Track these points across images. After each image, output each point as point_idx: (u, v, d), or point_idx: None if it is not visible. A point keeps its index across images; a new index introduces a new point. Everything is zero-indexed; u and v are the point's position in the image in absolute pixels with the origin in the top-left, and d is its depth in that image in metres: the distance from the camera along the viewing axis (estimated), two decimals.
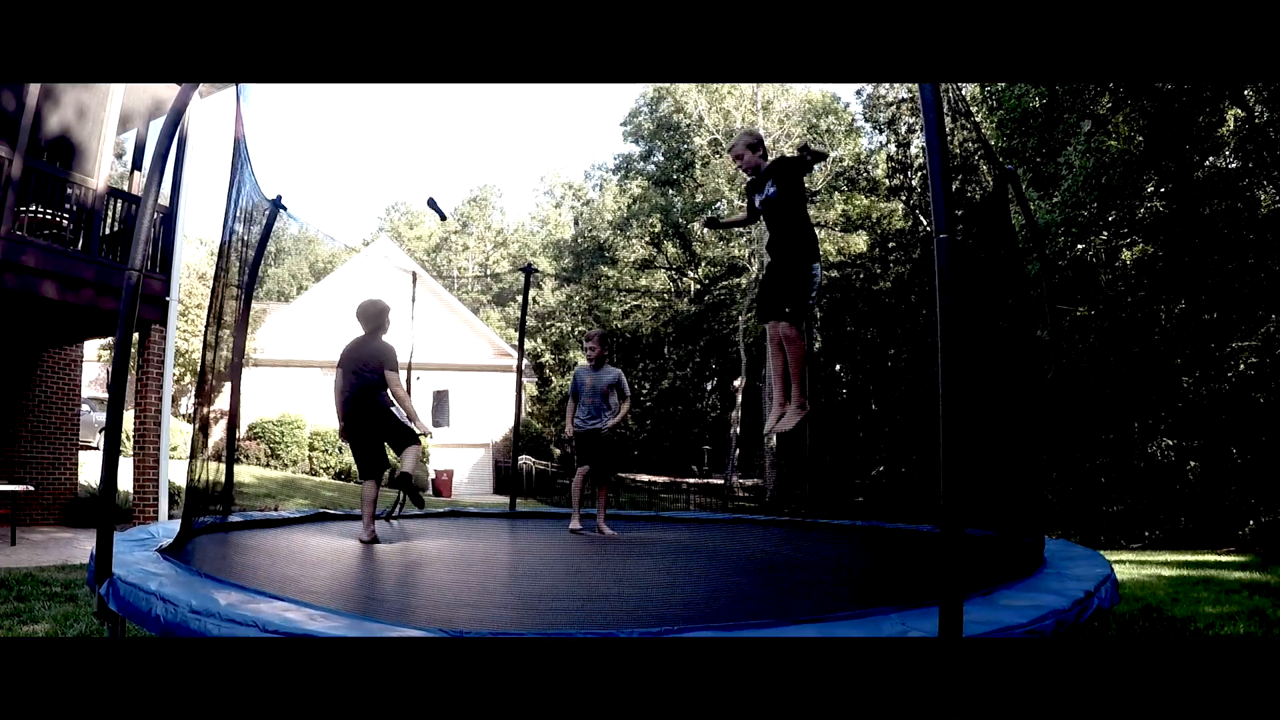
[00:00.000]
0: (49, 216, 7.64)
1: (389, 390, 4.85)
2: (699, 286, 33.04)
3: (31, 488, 8.93)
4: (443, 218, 6.64)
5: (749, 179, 4.13)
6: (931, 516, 7.35)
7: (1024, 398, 4.49)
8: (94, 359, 22.41)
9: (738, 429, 28.05)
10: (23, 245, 7.26)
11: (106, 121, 8.38)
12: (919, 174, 24.35)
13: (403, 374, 5.09)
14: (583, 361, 6.28)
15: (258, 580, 3.36)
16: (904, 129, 25.09)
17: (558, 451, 32.18)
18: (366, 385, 4.84)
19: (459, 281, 45.90)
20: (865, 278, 22.55)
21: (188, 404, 23.91)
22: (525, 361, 17.07)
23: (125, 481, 8.38)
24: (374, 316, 5.03)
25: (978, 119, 17.28)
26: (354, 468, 21.76)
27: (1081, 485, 14.16)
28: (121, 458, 3.48)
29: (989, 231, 4.73)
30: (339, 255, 42.54)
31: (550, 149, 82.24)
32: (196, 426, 4.96)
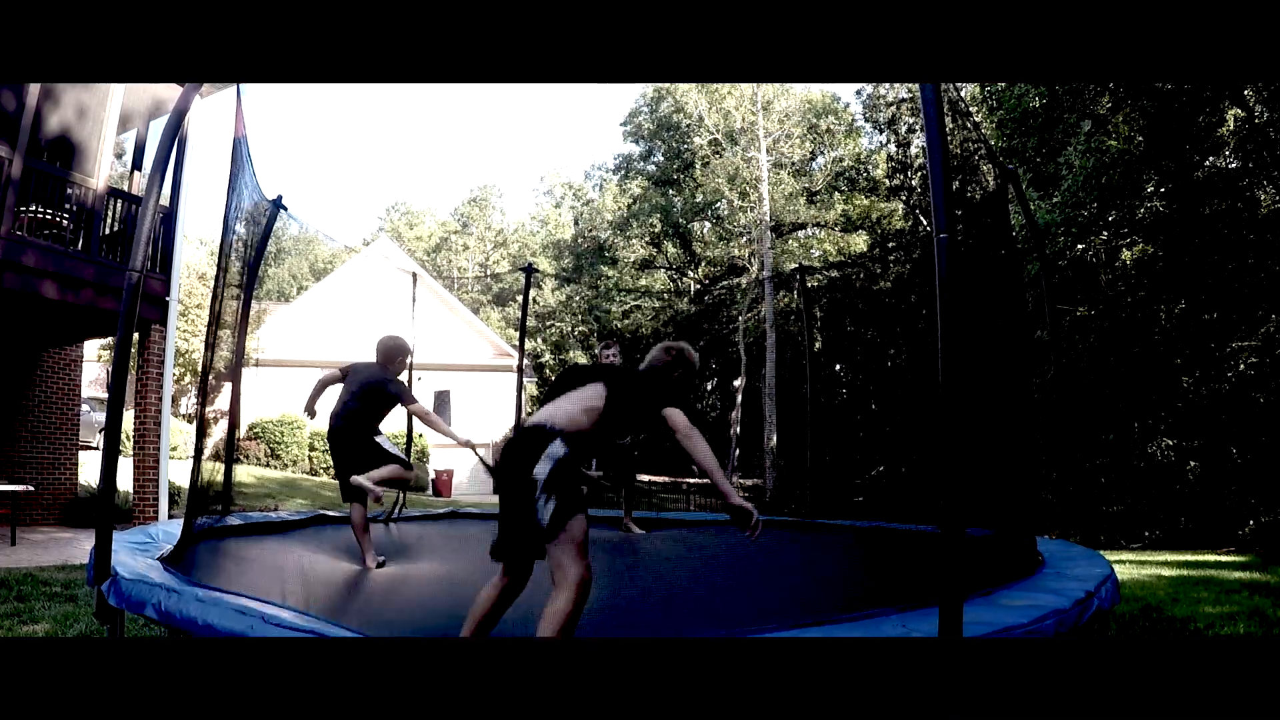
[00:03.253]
0: (49, 216, 7.64)
1: (419, 414, 4.66)
2: (699, 286, 33.02)
3: (31, 488, 8.92)
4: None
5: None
6: (931, 516, 7.34)
7: (1023, 398, 4.49)
8: (94, 359, 22.40)
9: (738, 429, 28.03)
10: (23, 245, 7.25)
11: (106, 121, 8.38)
12: (919, 174, 24.35)
13: (403, 375, 4.97)
14: None
15: (258, 582, 3.36)
16: (904, 129, 25.10)
17: None
18: (363, 411, 4.62)
19: (459, 281, 45.88)
20: (865, 278, 22.54)
21: (188, 404, 23.92)
22: (525, 361, 17.08)
23: (125, 481, 8.37)
24: (388, 351, 4.79)
25: (977, 119, 17.27)
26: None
27: (1081, 485, 14.14)
28: (121, 458, 3.48)
29: (989, 231, 4.72)
30: (339, 255, 42.52)
31: (550, 149, 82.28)
32: (196, 426, 4.93)
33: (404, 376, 4.95)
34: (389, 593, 3.63)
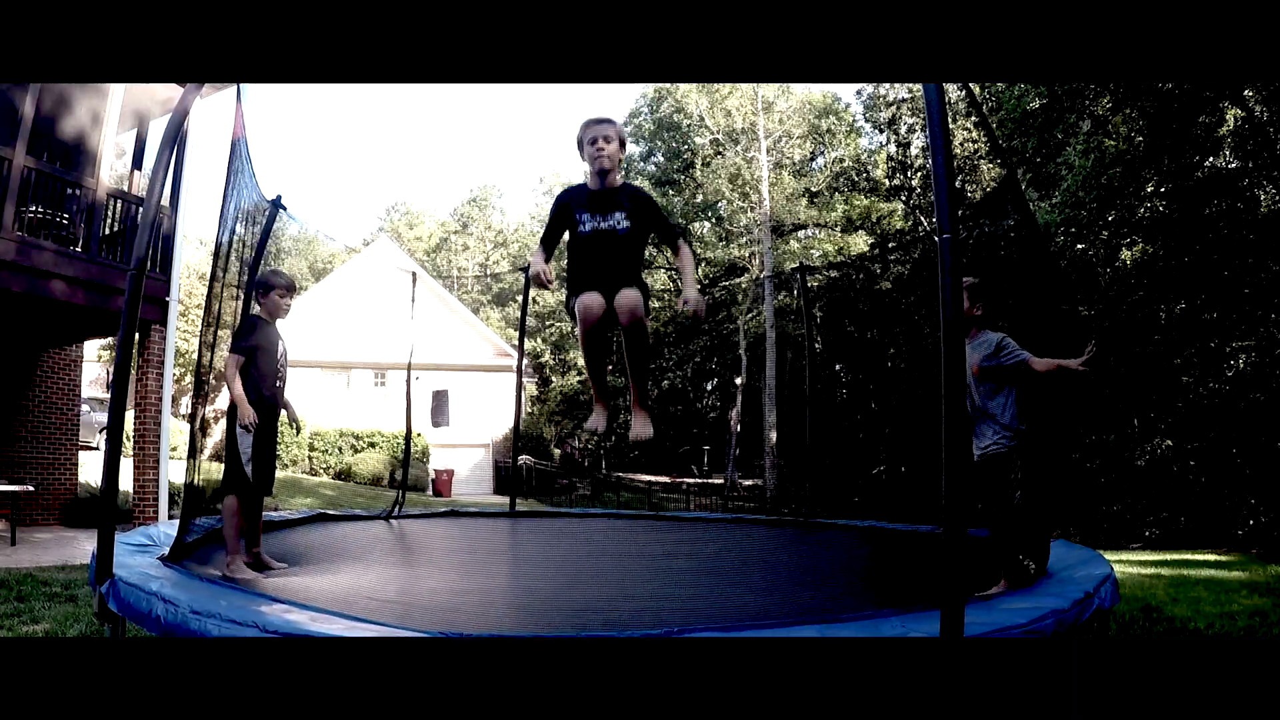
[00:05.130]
0: (50, 216, 7.64)
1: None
2: (699, 286, 33.01)
3: (31, 488, 8.92)
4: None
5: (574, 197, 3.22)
6: (932, 516, 7.34)
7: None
8: (94, 359, 22.42)
9: (738, 429, 28.05)
10: (25, 246, 7.25)
11: (107, 121, 8.38)
12: (919, 174, 24.36)
13: (401, 374, 4.97)
14: None
15: (257, 581, 3.36)
16: (904, 129, 25.09)
17: (558, 452, 32.17)
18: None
19: (459, 281, 45.88)
20: (865, 278, 22.55)
21: (188, 404, 23.91)
22: (525, 361, 17.07)
23: (125, 481, 8.36)
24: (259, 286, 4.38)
25: (968, 124, 17.26)
26: (354, 467, 21.73)
27: (1081, 485, 14.14)
28: (121, 458, 3.47)
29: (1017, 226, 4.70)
30: (339, 255, 42.53)
31: (550, 149, 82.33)
32: (196, 426, 4.94)
33: (399, 375, 4.95)
34: (391, 591, 3.62)
